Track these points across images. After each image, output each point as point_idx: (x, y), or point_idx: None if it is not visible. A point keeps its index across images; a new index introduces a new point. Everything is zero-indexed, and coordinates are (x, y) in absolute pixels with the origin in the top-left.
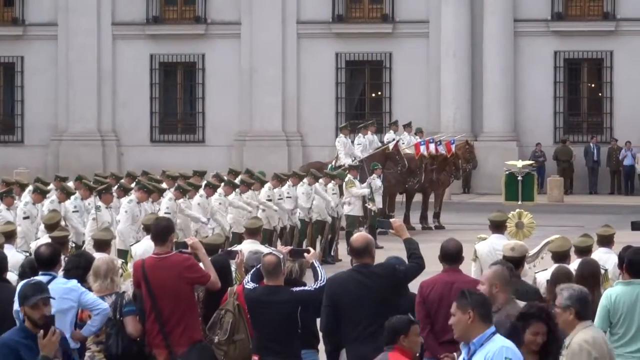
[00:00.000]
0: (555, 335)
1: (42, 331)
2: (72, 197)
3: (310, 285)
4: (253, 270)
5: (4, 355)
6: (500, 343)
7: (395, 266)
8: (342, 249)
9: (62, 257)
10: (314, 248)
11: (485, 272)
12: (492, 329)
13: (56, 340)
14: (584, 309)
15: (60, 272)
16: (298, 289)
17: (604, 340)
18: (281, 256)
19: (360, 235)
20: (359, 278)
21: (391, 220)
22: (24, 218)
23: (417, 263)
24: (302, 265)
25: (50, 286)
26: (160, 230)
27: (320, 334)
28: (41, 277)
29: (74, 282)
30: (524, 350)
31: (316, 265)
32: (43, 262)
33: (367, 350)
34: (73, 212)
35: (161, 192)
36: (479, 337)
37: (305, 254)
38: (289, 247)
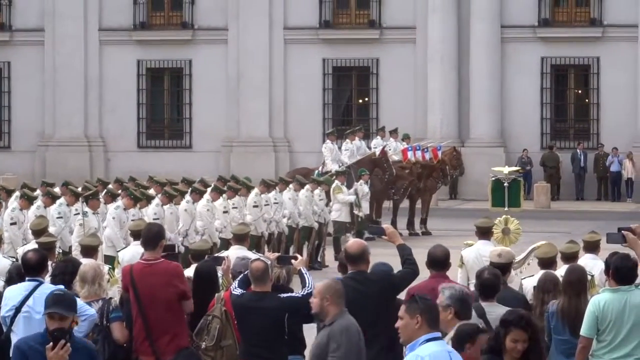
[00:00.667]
0: (536, 343)
1: (51, 343)
2: (57, 204)
3: (298, 292)
4: (241, 276)
5: (15, 358)
6: (418, 351)
7: (390, 272)
8: (329, 254)
9: (50, 262)
10: (301, 254)
11: (317, 285)
12: (430, 335)
13: (65, 355)
14: (464, 309)
15: (48, 278)
16: (285, 295)
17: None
18: (269, 262)
19: (356, 241)
20: (354, 285)
21: (384, 226)
22: (11, 224)
23: (411, 269)
24: (289, 272)
25: (36, 292)
26: (152, 235)
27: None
28: (28, 283)
29: (60, 288)
30: (507, 357)
31: (303, 272)
32: (30, 267)
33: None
34: (57, 218)
35: (149, 199)
36: (414, 342)
37: (293, 261)
38: (276, 254)
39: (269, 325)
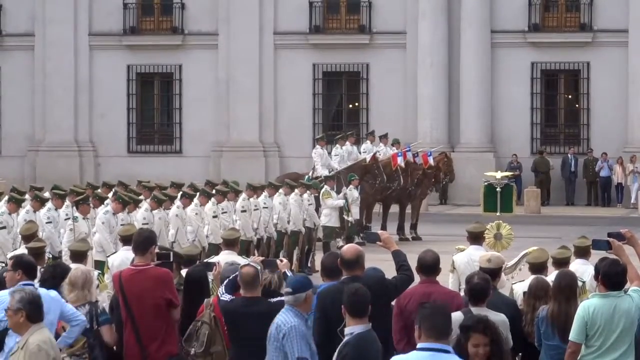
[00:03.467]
0: (498, 346)
1: None
2: (46, 208)
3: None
4: (226, 281)
5: None
6: (398, 357)
7: (385, 278)
8: (319, 259)
9: (39, 267)
10: (292, 259)
11: None
12: (424, 344)
13: None
14: (35, 312)
15: (36, 282)
16: (274, 299)
17: (55, 342)
18: (259, 267)
19: (351, 246)
20: None
21: (379, 232)
22: (0, 228)
23: (406, 275)
24: (280, 277)
25: None
26: (142, 240)
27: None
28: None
29: (55, 293)
30: None
31: (288, 274)
32: (29, 271)
33: None
34: (47, 223)
35: (137, 203)
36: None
37: (278, 262)
38: (261, 258)
39: (260, 331)
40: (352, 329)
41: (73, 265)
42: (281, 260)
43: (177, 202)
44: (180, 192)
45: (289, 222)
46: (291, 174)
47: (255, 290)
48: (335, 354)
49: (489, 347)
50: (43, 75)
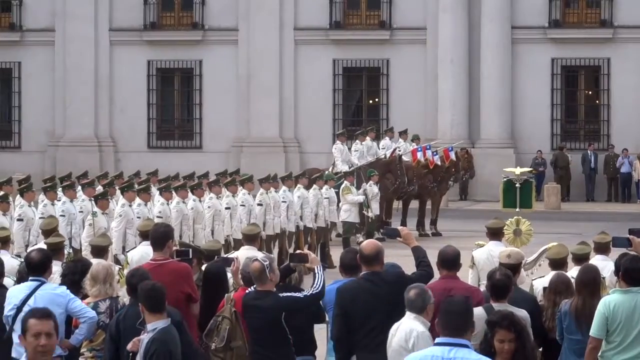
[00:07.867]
0: (523, 342)
1: None
2: (60, 202)
3: (304, 291)
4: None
5: None
6: (415, 353)
7: (405, 274)
8: (336, 254)
9: (61, 263)
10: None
11: None
12: (440, 339)
13: None
14: None
15: (58, 278)
16: (285, 294)
17: None
18: (267, 262)
19: (371, 242)
20: (369, 286)
21: (399, 228)
22: (18, 220)
23: (425, 271)
24: (300, 272)
25: (38, 292)
26: (160, 235)
27: (332, 342)
28: (30, 283)
29: (62, 289)
30: (498, 358)
31: (316, 271)
32: (33, 267)
33: (377, 358)
34: (60, 216)
35: (146, 190)
36: None
37: (308, 254)
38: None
39: (266, 324)
40: (155, 324)
41: (94, 260)
42: (307, 256)
43: (193, 196)
44: (194, 183)
45: (301, 218)
46: (312, 169)
47: (266, 284)
48: (142, 351)
49: (514, 343)
50: (63, 70)
